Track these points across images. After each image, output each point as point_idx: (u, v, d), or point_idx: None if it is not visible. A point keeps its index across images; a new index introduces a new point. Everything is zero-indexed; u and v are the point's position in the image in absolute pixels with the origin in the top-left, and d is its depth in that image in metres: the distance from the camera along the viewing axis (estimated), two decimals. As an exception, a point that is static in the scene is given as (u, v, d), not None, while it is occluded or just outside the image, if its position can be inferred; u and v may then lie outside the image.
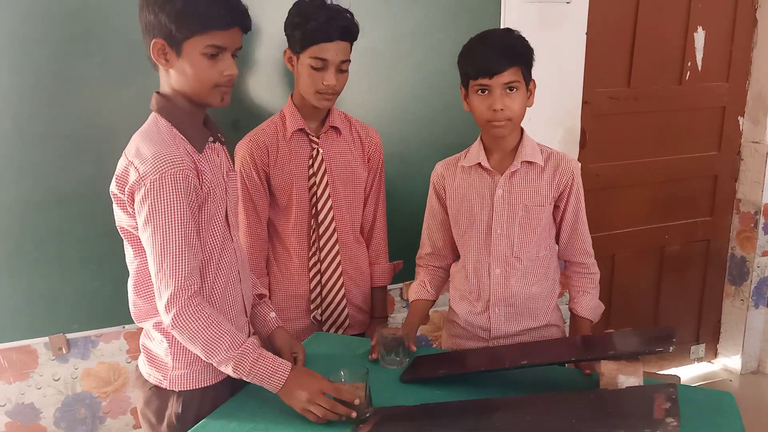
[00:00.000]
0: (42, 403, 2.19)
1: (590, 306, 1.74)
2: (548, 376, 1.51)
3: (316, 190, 1.84)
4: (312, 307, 1.92)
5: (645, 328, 1.52)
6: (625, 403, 1.16)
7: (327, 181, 1.85)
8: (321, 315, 1.92)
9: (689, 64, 2.87)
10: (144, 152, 1.30)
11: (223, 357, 1.33)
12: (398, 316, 2.50)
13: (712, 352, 3.34)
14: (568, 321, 1.80)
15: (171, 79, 1.35)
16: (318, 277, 1.89)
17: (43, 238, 2.00)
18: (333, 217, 1.87)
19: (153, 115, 1.38)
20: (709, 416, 1.32)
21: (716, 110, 3.00)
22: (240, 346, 1.34)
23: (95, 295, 2.08)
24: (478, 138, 1.72)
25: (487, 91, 1.57)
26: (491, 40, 1.60)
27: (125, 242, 1.40)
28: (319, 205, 1.85)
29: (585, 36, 2.53)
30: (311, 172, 1.84)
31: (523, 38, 1.61)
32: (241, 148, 1.84)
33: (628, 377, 1.27)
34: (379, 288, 2.03)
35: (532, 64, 1.61)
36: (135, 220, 1.32)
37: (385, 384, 1.51)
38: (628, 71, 2.77)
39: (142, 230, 1.31)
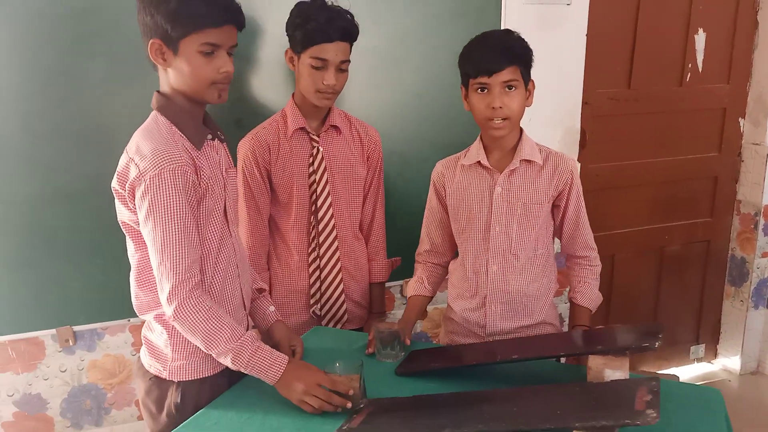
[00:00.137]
0: (49, 393, 2.24)
1: (589, 296, 1.76)
2: (539, 370, 1.54)
3: (316, 188, 1.88)
4: (311, 302, 1.95)
5: (634, 325, 1.55)
6: (609, 395, 1.20)
7: (327, 179, 1.88)
8: (320, 310, 1.96)
9: (690, 65, 2.88)
10: (144, 149, 1.33)
11: (222, 348, 1.37)
12: (398, 313, 2.53)
13: (712, 353, 3.35)
14: (566, 319, 1.83)
15: (169, 78, 1.39)
16: (317, 273, 1.93)
17: (52, 233, 2.05)
18: (332, 214, 1.90)
19: (153, 114, 1.41)
20: (695, 411, 1.34)
21: (717, 112, 3.01)
22: (239, 339, 1.37)
23: (102, 288, 2.12)
24: (478, 137, 1.74)
25: (486, 90, 1.60)
26: (491, 40, 1.64)
27: (127, 237, 1.44)
28: (319, 202, 1.89)
29: (585, 37, 2.54)
30: (311, 169, 1.88)
31: (522, 39, 1.64)
32: (244, 145, 1.88)
33: (614, 371, 1.31)
34: (377, 284, 2.07)
35: (531, 64, 1.64)
36: (136, 214, 1.36)
37: (381, 377, 1.55)
38: (628, 73, 2.79)
39: (143, 225, 1.35)
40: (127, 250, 1.47)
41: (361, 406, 1.38)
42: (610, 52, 2.71)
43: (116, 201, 1.41)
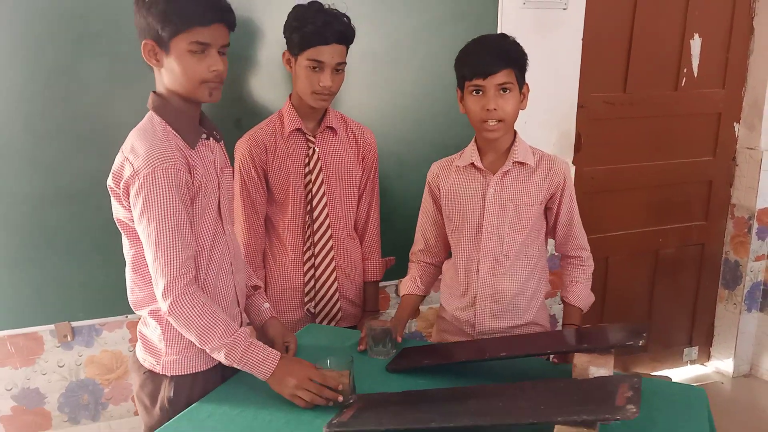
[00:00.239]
0: (47, 388, 2.26)
1: (580, 295, 1.78)
2: (527, 367, 1.57)
3: (312, 188, 1.91)
4: (306, 299, 1.98)
5: (621, 324, 1.57)
6: (591, 391, 1.22)
7: (322, 179, 1.91)
8: (314, 308, 1.98)
9: (685, 70, 2.90)
10: (138, 149, 1.36)
11: (216, 344, 1.39)
12: (392, 312, 2.53)
13: (705, 355, 3.37)
14: (559, 321, 1.84)
15: (163, 78, 1.42)
16: (312, 271, 1.96)
17: (52, 231, 2.07)
18: (327, 213, 1.93)
19: (149, 114, 1.44)
20: (678, 408, 1.37)
21: (712, 116, 3.04)
22: (233, 335, 1.40)
23: (100, 285, 2.14)
24: (473, 139, 1.77)
25: (481, 92, 1.63)
26: (487, 43, 1.67)
27: (122, 234, 1.47)
28: (314, 202, 1.91)
29: (581, 41, 2.57)
30: (307, 170, 1.90)
31: (518, 43, 1.67)
32: (241, 145, 1.91)
33: (598, 368, 1.33)
34: (371, 282, 2.10)
35: (525, 68, 1.67)
36: (130, 212, 1.39)
37: (372, 373, 1.58)
38: (624, 77, 2.81)
39: (137, 222, 1.38)
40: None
41: (351, 400, 1.41)
42: (606, 56, 2.74)
43: (112, 199, 1.43)
